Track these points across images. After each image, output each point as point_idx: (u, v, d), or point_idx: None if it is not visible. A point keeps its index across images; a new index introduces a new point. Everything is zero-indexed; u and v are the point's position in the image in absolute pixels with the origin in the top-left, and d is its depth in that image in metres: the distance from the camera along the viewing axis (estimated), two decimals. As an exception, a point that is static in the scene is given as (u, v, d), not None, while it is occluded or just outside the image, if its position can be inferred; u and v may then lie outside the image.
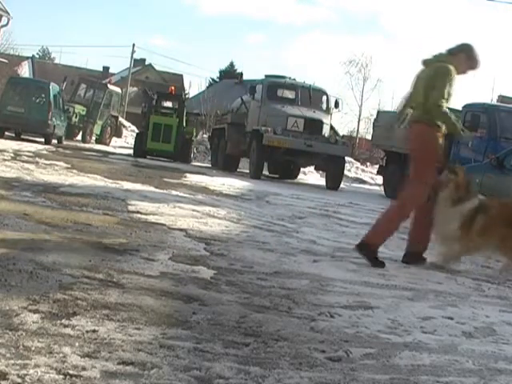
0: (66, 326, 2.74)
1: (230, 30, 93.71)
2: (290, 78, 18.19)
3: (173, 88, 22.30)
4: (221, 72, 49.95)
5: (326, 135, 16.34)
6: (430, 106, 5.35)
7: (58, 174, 9.56)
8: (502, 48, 67.72)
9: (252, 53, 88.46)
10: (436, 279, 5.04)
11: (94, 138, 25.07)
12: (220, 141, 19.12)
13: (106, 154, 18.40)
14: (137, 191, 8.55)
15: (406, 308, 3.91)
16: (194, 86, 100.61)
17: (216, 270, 4.30)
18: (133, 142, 21.09)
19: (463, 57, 5.50)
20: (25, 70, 37.83)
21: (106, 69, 51.13)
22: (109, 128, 25.71)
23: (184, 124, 19.84)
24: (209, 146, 22.77)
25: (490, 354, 3.18)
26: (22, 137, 19.40)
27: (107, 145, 24.93)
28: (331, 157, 15.85)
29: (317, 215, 8.77)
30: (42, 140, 19.01)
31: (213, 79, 48.46)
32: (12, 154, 12.24)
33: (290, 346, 2.91)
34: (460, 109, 15.20)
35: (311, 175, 20.63)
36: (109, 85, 26.37)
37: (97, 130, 25.00)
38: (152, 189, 9.20)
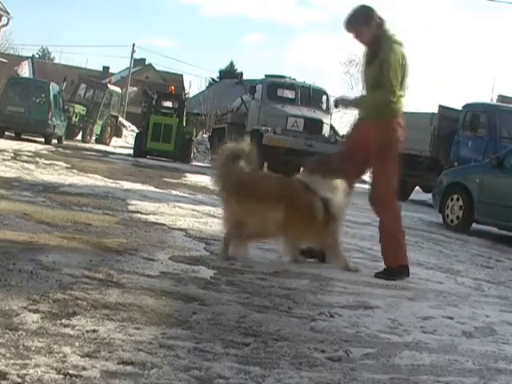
0: (66, 326, 2.73)
1: (230, 30, 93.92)
2: (290, 77, 18.19)
3: (173, 88, 22.29)
4: (221, 72, 49.99)
5: (326, 135, 16.35)
6: None
7: (57, 174, 9.55)
8: (502, 48, 67.74)
9: (252, 53, 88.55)
10: (436, 279, 5.04)
11: (94, 137, 25.07)
12: (220, 141, 19.11)
13: (106, 153, 18.39)
14: (137, 191, 8.54)
15: (405, 308, 3.91)
16: (194, 86, 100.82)
17: (216, 269, 4.30)
18: (133, 142, 21.08)
19: None
20: (25, 70, 37.78)
21: (105, 69, 51.21)
22: (109, 128, 25.71)
23: (184, 124, 19.82)
24: (209, 146, 22.77)
25: (489, 353, 3.17)
26: (22, 137, 19.38)
27: (107, 145, 24.92)
28: (331, 157, 15.83)
29: (317, 215, 8.74)
30: (42, 140, 19.00)
31: (213, 79, 48.53)
32: (12, 154, 12.23)
33: (290, 345, 2.90)
34: (460, 109, 15.21)
35: (311, 175, 20.58)
36: (109, 85, 26.37)
37: (97, 129, 25.00)
38: (152, 188, 9.19)
